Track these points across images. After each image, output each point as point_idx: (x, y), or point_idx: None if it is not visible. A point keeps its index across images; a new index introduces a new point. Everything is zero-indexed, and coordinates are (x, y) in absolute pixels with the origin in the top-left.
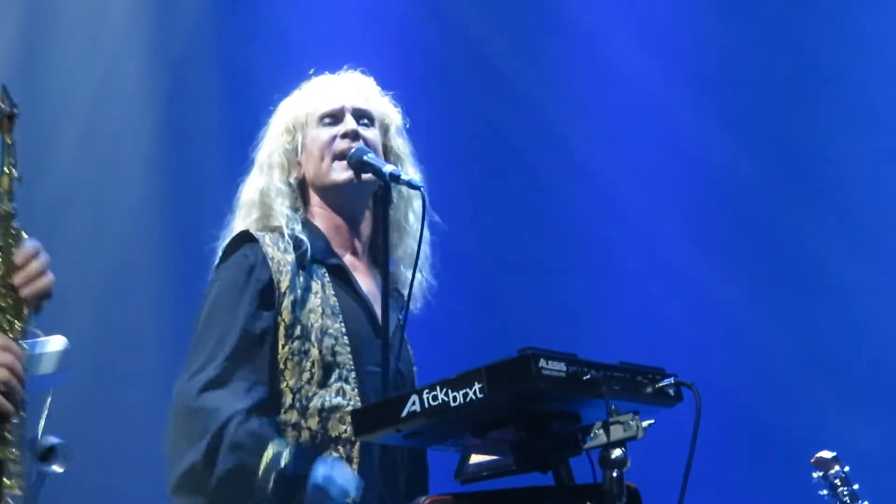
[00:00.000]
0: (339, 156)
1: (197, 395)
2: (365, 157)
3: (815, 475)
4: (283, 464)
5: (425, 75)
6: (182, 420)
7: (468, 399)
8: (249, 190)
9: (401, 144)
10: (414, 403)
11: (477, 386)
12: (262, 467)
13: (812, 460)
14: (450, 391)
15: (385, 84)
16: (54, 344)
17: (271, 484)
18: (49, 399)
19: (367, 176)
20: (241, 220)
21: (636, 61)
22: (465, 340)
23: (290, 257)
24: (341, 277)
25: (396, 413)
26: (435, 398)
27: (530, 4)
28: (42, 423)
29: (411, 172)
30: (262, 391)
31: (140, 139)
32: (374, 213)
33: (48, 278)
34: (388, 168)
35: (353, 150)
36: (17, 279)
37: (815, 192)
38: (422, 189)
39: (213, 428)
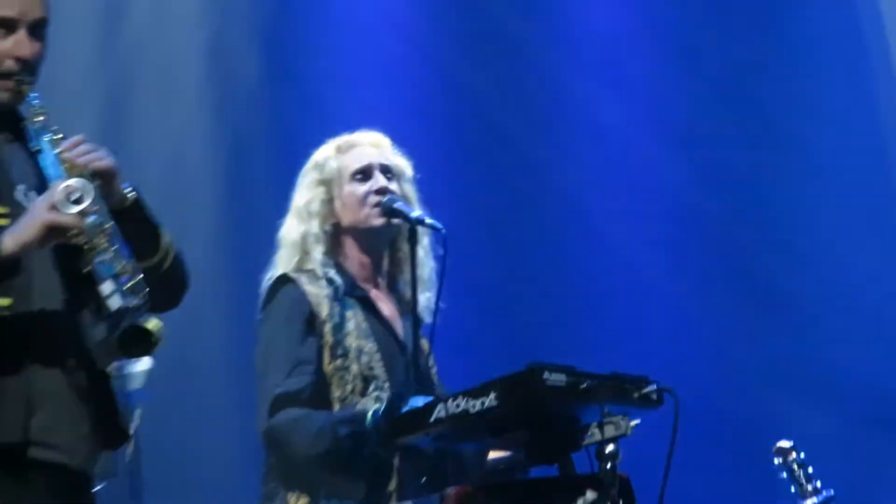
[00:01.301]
0: (374, 205)
1: (283, 418)
2: (394, 206)
3: (776, 461)
4: (380, 412)
5: (435, 128)
6: (284, 439)
7: (485, 406)
8: (291, 233)
9: (410, 191)
10: (440, 411)
11: (492, 395)
12: (368, 417)
13: (773, 449)
14: (469, 400)
15: (400, 137)
16: (141, 364)
17: (381, 428)
18: (138, 412)
19: (396, 220)
20: (284, 262)
21: (619, 116)
22: (479, 355)
23: (325, 292)
24: (367, 307)
25: (426, 419)
26: (458, 406)
27: (531, 72)
28: (133, 429)
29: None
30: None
31: (206, 201)
32: (391, 251)
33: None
34: (414, 213)
35: (384, 200)
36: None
37: (770, 226)
38: (442, 230)
39: (315, 428)
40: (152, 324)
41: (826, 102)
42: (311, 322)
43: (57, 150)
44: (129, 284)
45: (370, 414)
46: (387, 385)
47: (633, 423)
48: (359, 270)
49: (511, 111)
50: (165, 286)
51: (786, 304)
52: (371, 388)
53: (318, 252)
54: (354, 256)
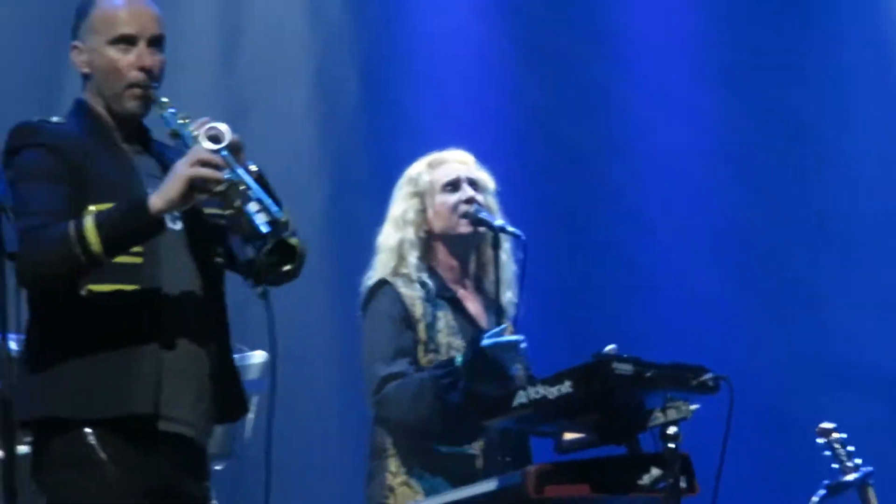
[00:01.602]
0: (463, 215)
1: (389, 388)
2: (480, 216)
3: (819, 440)
4: (465, 353)
5: (511, 145)
6: (395, 401)
7: (561, 392)
8: (389, 239)
9: (493, 202)
10: (521, 397)
11: (567, 383)
12: (457, 359)
13: (817, 430)
14: (547, 387)
15: (482, 153)
16: (257, 357)
17: (469, 363)
18: (255, 399)
19: (481, 228)
20: (382, 266)
21: (673, 131)
22: (554, 346)
23: (419, 294)
24: (456, 306)
25: (509, 404)
26: (537, 393)
27: (595, 92)
28: (251, 416)
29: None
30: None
31: (312, 211)
32: (477, 255)
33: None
34: (498, 222)
35: (471, 211)
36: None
37: (812, 229)
38: (522, 237)
39: (416, 385)
40: (296, 241)
41: (859, 114)
42: (407, 319)
43: (189, 129)
44: (273, 207)
45: (458, 357)
46: None
47: (693, 407)
48: (448, 273)
49: (578, 129)
50: (291, 253)
51: (827, 300)
52: None
53: (413, 257)
54: (445, 260)
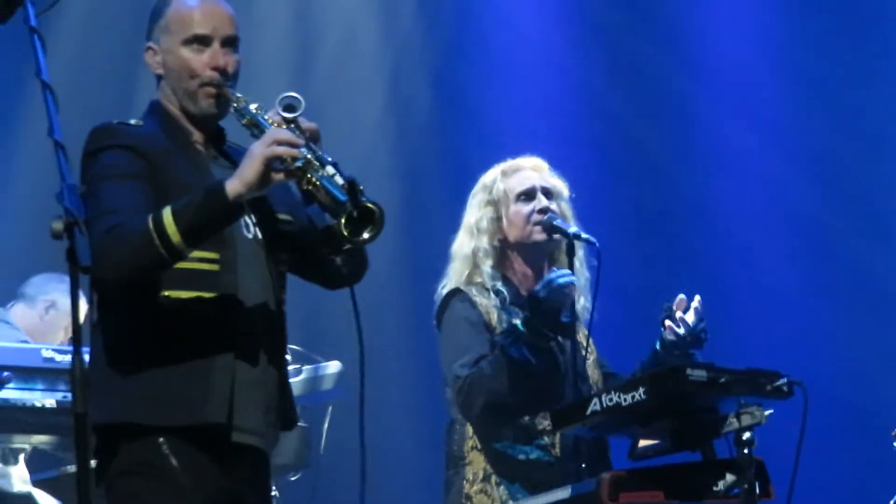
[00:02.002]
0: (537, 223)
1: (472, 376)
2: (555, 223)
3: (895, 444)
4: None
5: (586, 152)
6: (477, 385)
7: (635, 399)
8: (463, 247)
9: (567, 209)
10: (595, 404)
11: (641, 389)
12: (518, 324)
13: (893, 434)
14: (621, 394)
15: (557, 161)
16: (332, 367)
17: (532, 322)
18: (330, 408)
19: (556, 235)
20: (457, 274)
21: (749, 138)
22: (627, 352)
23: (494, 302)
24: None
25: (583, 411)
26: (611, 400)
27: (671, 100)
28: (326, 426)
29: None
30: None
31: (387, 218)
32: (550, 262)
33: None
34: (572, 229)
35: (545, 219)
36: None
37: (886, 234)
38: (596, 244)
39: (489, 366)
40: (374, 205)
41: None
42: (482, 325)
43: (266, 117)
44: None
45: (519, 322)
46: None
47: (767, 412)
48: (522, 280)
49: (654, 135)
50: (359, 254)
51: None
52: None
53: (487, 266)
54: (519, 268)
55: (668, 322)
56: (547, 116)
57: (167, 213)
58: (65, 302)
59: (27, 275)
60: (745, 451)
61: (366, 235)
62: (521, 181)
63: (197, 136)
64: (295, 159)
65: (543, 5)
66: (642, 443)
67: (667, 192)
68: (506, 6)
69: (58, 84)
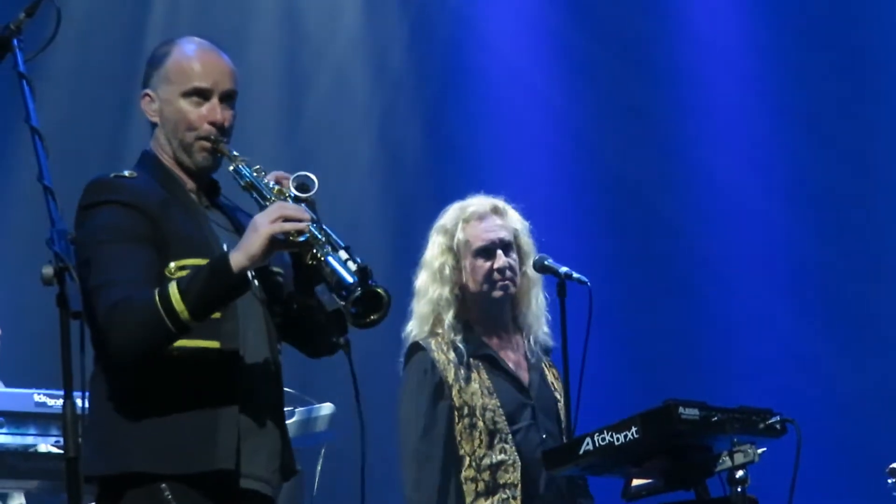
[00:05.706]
0: (495, 282)
1: (417, 465)
2: (545, 263)
3: (889, 481)
4: None
5: (574, 190)
6: (415, 472)
7: (627, 438)
8: (428, 290)
9: (527, 243)
10: (588, 444)
11: (633, 429)
12: None
13: (886, 470)
14: (613, 433)
15: (542, 198)
16: (325, 409)
17: None
18: (323, 450)
19: (547, 273)
20: (420, 321)
21: (741, 176)
22: (619, 392)
23: (453, 356)
24: (492, 363)
25: (575, 452)
26: (603, 439)
27: (659, 137)
28: (318, 467)
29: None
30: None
31: (379, 256)
32: (513, 302)
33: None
34: (563, 269)
35: (536, 259)
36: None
37: (876, 273)
38: (588, 283)
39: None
40: (382, 289)
41: None
42: (440, 387)
43: (265, 181)
44: (356, 256)
45: None
46: (509, 437)
47: (760, 451)
48: (485, 326)
49: (643, 172)
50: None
51: (893, 343)
52: (496, 440)
53: (449, 316)
54: (479, 315)
55: None
56: (538, 157)
57: (174, 291)
58: None
59: (15, 322)
60: (739, 489)
61: (371, 318)
62: (479, 235)
63: (191, 185)
64: (301, 233)
65: (534, 47)
66: (636, 482)
67: (660, 231)
68: (496, 47)
69: (47, 130)
